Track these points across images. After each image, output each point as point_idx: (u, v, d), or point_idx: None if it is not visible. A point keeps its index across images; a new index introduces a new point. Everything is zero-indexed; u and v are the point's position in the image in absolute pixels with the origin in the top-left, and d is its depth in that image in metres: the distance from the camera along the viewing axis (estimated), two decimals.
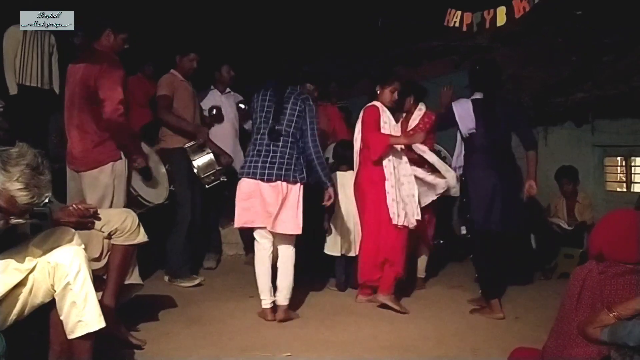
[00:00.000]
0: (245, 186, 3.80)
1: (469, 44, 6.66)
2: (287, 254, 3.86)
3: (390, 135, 4.21)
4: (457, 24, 4.37)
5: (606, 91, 5.47)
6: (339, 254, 4.59)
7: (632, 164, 5.96)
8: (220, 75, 5.34)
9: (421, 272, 4.83)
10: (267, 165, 3.76)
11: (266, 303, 3.81)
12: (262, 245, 3.87)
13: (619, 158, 6.14)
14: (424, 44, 7.14)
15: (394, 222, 4.11)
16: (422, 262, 4.82)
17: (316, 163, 3.86)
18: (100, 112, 3.69)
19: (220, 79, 5.35)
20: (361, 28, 6.62)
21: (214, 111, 5.15)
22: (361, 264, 4.28)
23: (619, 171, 6.19)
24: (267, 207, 3.75)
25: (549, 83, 5.97)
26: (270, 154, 3.77)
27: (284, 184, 3.75)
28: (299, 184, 3.80)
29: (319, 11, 6.27)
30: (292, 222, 3.76)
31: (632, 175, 5.96)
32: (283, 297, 3.83)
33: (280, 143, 3.79)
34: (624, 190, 6.02)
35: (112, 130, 3.71)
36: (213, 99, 5.32)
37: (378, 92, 4.30)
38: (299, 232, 3.79)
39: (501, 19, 4.18)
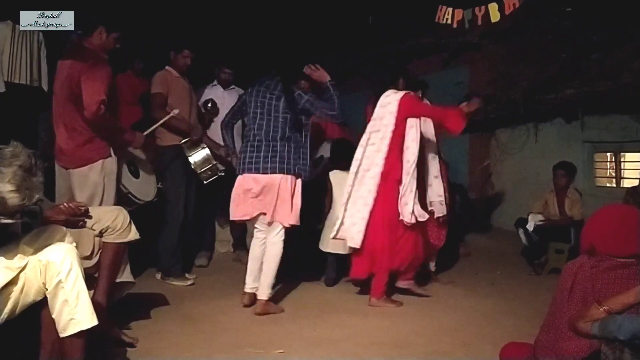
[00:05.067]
0: (242, 181, 3.88)
1: (459, 41, 6.69)
2: (273, 250, 3.89)
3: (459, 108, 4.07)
4: (449, 21, 4.37)
5: (595, 88, 5.50)
6: (332, 251, 4.57)
7: (622, 160, 6.01)
8: (219, 76, 5.33)
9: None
10: (264, 159, 3.82)
11: (247, 287, 3.97)
12: (257, 235, 4.00)
13: (608, 154, 6.20)
14: (414, 41, 7.16)
15: (403, 218, 4.02)
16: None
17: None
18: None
19: (220, 78, 5.34)
20: (352, 25, 6.62)
21: (209, 104, 5.12)
22: (354, 260, 4.26)
23: (608, 167, 6.25)
24: (265, 199, 3.83)
25: (538, 80, 6.01)
26: (271, 149, 3.83)
27: (280, 176, 3.80)
28: (295, 178, 3.85)
29: (311, 9, 6.27)
30: (287, 214, 3.82)
31: (622, 170, 6.01)
32: (262, 292, 3.87)
33: (279, 137, 3.85)
34: (614, 185, 6.08)
35: (96, 129, 3.69)
36: (215, 94, 5.30)
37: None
38: (295, 222, 3.86)
39: (494, 15, 4.18)
